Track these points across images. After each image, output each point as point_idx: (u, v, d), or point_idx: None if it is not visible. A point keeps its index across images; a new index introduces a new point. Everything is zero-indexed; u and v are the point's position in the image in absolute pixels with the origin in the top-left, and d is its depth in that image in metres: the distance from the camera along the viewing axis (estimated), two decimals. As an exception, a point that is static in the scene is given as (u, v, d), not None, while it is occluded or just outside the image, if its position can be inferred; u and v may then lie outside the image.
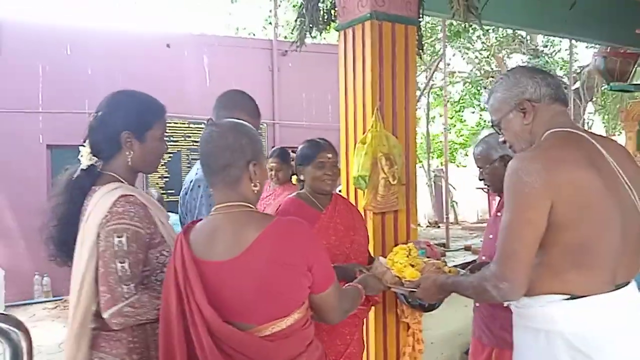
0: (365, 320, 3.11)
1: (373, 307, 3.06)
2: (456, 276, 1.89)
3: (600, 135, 1.65)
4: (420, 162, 13.28)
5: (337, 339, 2.18)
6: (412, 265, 1.95)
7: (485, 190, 2.54)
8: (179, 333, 1.34)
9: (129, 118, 1.60)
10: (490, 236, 2.36)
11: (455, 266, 2.06)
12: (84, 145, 1.64)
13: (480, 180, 2.42)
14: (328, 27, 3.58)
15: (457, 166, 16.16)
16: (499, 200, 2.48)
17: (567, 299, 1.47)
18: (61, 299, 6.92)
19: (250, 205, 1.43)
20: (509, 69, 2.32)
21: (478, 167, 2.39)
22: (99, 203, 1.51)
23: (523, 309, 1.56)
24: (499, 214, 2.37)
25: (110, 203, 1.50)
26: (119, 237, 1.47)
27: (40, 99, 7.51)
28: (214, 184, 1.44)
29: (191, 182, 2.07)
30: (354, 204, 3.16)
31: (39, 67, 7.49)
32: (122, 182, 1.60)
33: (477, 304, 2.41)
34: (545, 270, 1.49)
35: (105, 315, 1.46)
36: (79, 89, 7.56)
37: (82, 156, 1.61)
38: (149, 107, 1.64)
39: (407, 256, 1.98)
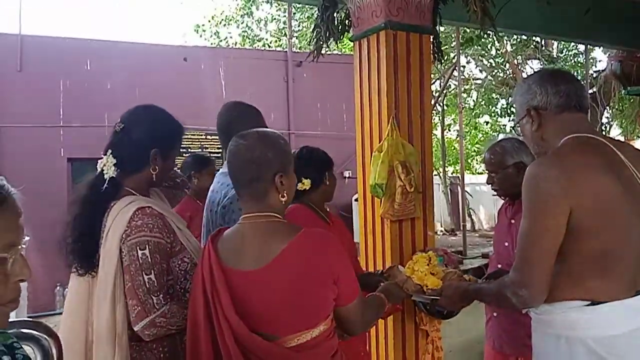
0: (384, 327, 3.12)
1: (391, 315, 3.07)
2: (477, 284, 1.89)
3: (617, 140, 1.65)
4: (436, 169, 13.22)
5: (353, 357, 2.17)
6: (433, 274, 1.95)
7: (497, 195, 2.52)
8: (206, 341, 1.34)
9: (160, 137, 1.63)
10: (506, 244, 2.34)
11: (465, 271, 2.06)
12: (104, 156, 1.66)
13: (489, 184, 2.41)
14: (343, 37, 3.62)
15: (473, 173, 16.06)
16: (507, 206, 2.46)
17: (589, 304, 1.47)
18: (82, 310, 7.01)
19: (278, 216, 1.43)
20: (523, 75, 2.32)
21: (490, 171, 2.37)
22: (117, 218, 1.53)
23: (543, 315, 1.56)
24: (512, 220, 2.36)
25: (128, 217, 1.52)
26: (141, 250, 1.49)
27: (61, 113, 7.67)
28: (242, 195, 1.46)
29: (227, 198, 2.04)
30: (371, 212, 3.19)
31: (60, 82, 7.65)
32: (135, 195, 1.61)
33: (495, 314, 2.39)
34: (567, 277, 1.49)
35: (137, 327, 1.47)
36: (99, 103, 7.71)
37: (104, 165, 1.61)
38: (175, 128, 1.67)
39: (428, 264, 1.98)
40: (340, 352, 1.46)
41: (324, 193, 2.29)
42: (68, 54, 7.61)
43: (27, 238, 0.92)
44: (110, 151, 1.63)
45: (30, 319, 1.48)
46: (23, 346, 0.98)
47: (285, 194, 1.44)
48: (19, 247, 0.89)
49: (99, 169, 1.63)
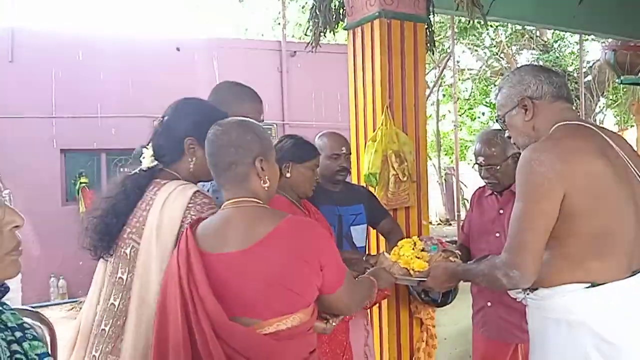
0: (378, 316, 3.14)
1: (386, 303, 3.09)
2: (466, 264, 1.91)
3: (606, 129, 1.68)
4: (431, 159, 13.25)
5: (337, 348, 2.18)
6: (418, 258, 1.96)
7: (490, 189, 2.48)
8: (183, 328, 1.29)
9: (194, 125, 1.58)
10: (497, 234, 2.34)
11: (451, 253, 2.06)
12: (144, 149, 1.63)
13: (485, 178, 2.36)
14: (337, 26, 3.60)
15: (468, 164, 16.10)
16: (489, 195, 2.45)
17: (588, 287, 1.48)
18: (76, 301, 7.02)
19: (261, 202, 1.41)
20: (518, 65, 2.33)
21: (491, 164, 2.31)
22: (174, 194, 1.49)
23: (542, 300, 1.57)
24: (501, 211, 2.37)
25: (190, 194, 1.49)
26: None
27: (53, 104, 7.63)
28: (222, 184, 1.42)
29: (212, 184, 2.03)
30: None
31: (52, 73, 7.60)
32: (180, 180, 1.57)
33: (489, 303, 2.40)
34: (565, 261, 1.51)
35: None
36: (91, 94, 7.67)
37: (144, 158, 1.60)
38: (214, 116, 1.58)
39: (413, 249, 1.99)
40: (318, 353, 1.44)
41: (288, 185, 2.15)
42: (60, 45, 7.55)
43: (7, 191, 0.92)
44: (150, 144, 1.62)
45: (25, 307, 1.47)
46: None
47: (267, 180, 1.41)
48: None
49: (141, 160, 1.61)
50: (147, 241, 1.46)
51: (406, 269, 1.92)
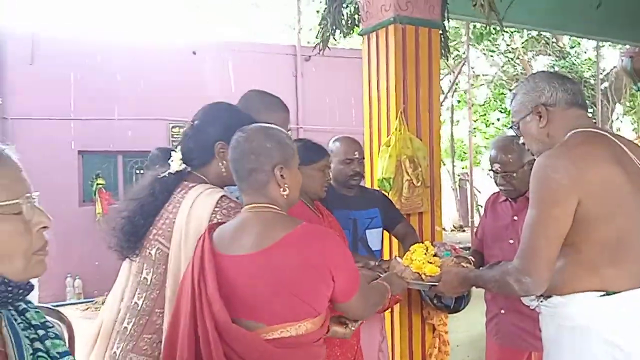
0: (391, 321, 3.13)
1: (398, 308, 3.09)
2: (477, 270, 1.91)
3: (621, 136, 1.68)
4: (445, 164, 13.19)
5: (348, 352, 2.18)
6: (430, 263, 1.96)
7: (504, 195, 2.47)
8: (190, 329, 1.31)
9: (224, 129, 1.59)
10: (511, 241, 2.33)
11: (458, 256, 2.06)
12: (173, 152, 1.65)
13: (501, 185, 2.35)
14: (352, 31, 3.62)
15: (482, 169, 15.99)
16: (503, 202, 2.44)
17: (603, 295, 1.48)
18: (92, 301, 7.10)
19: (278, 209, 1.41)
20: (533, 71, 2.32)
21: (506, 171, 2.30)
22: (201, 197, 1.51)
23: (556, 308, 1.57)
24: (515, 217, 2.35)
25: (216, 198, 1.51)
26: None
27: (71, 107, 7.74)
28: (243, 189, 1.43)
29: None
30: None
31: (71, 76, 7.71)
32: (208, 184, 1.59)
33: (503, 311, 2.39)
34: (580, 268, 1.51)
35: None
36: (109, 97, 7.77)
37: (172, 161, 1.61)
38: (243, 121, 1.60)
39: (425, 253, 1.99)
40: (329, 355, 1.43)
41: (305, 188, 2.08)
42: (78, 49, 7.66)
43: (36, 192, 0.95)
44: (179, 147, 1.63)
45: (45, 305, 1.50)
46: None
47: (286, 188, 1.41)
48: (29, 195, 0.92)
49: (170, 163, 1.62)
50: (177, 246, 1.49)
51: (418, 273, 1.93)
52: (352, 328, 1.62)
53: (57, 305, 6.97)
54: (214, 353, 1.26)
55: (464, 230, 13.91)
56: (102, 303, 6.78)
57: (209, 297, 1.30)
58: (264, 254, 1.31)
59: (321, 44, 3.64)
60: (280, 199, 1.42)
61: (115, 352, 1.52)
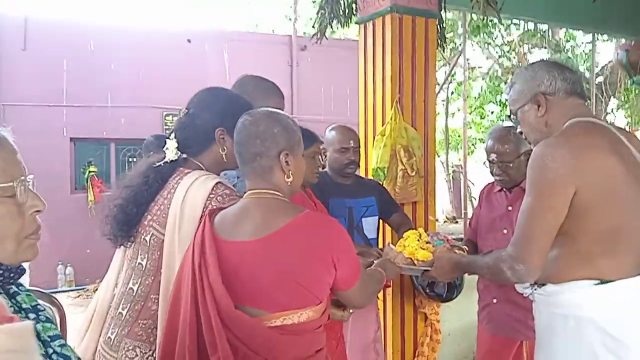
0: (383, 310, 3.15)
1: (391, 297, 3.10)
2: (470, 256, 1.91)
3: (618, 127, 1.68)
4: (439, 155, 13.22)
5: (332, 339, 2.18)
6: (423, 249, 1.97)
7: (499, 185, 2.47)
8: (192, 315, 1.29)
9: (222, 115, 1.57)
10: (505, 231, 2.34)
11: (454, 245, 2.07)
12: (168, 140, 1.62)
13: (497, 175, 2.36)
14: (349, 21, 3.60)
15: (476, 161, 16.03)
16: (498, 192, 2.45)
17: (598, 283, 1.49)
18: (83, 288, 7.09)
19: (281, 195, 1.39)
20: (530, 63, 2.31)
21: (503, 161, 2.31)
22: (196, 184, 1.49)
23: (551, 296, 1.58)
24: (510, 207, 2.36)
25: (211, 185, 1.49)
26: None
27: (64, 93, 7.69)
28: (246, 173, 1.41)
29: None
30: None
31: (63, 63, 7.66)
32: (204, 170, 1.57)
33: (495, 300, 2.40)
34: (575, 257, 1.51)
35: None
36: (102, 84, 7.72)
37: (167, 149, 1.58)
38: (241, 105, 1.59)
39: (418, 240, 2.00)
40: (325, 351, 1.42)
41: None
42: (72, 35, 7.60)
43: (31, 176, 0.94)
44: (173, 135, 1.60)
45: (37, 289, 1.49)
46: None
47: (291, 175, 1.39)
48: (23, 178, 0.91)
49: (165, 151, 1.59)
50: (171, 232, 1.47)
51: (410, 259, 1.93)
52: (351, 311, 1.63)
53: (49, 293, 6.97)
54: (217, 339, 1.25)
55: (457, 222, 13.97)
56: (94, 291, 6.79)
57: (211, 283, 1.28)
58: (266, 240, 1.30)
59: (319, 33, 3.62)
60: (284, 186, 1.40)
61: (110, 337, 1.52)
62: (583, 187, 1.45)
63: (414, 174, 3.00)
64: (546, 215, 1.48)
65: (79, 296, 6.91)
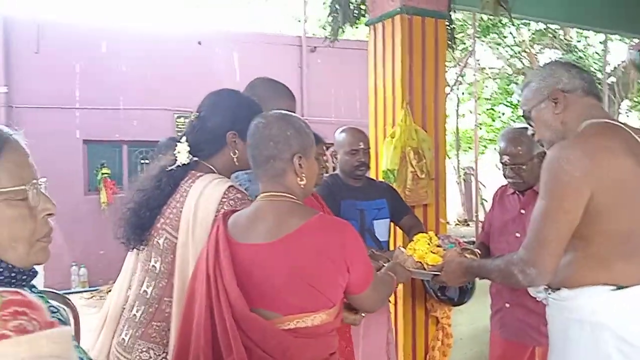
0: (394, 313, 3.14)
1: (402, 300, 3.09)
2: (481, 260, 1.90)
3: (636, 128, 1.64)
4: (450, 158, 13.15)
5: (343, 341, 2.18)
6: (433, 253, 1.95)
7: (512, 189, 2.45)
8: (206, 318, 1.30)
9: (233, 118, 1.58)
10: (517, 234, 2.31)
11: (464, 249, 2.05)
12: (179, 143, 1.62)
13: (510, 177, 2.33)
14: (357, 22, 3.61)
15: (488, 163, 15.93)
16: (511, 195, 2.42)
17: (615, 289, 1.46)
18: (97, 289, 7.14)
19: (295, 198, 1.39)
20: (540, 64, 2.28)
21: (518, 163, 2.28)
22: (209, 188, 1.50)
23: (565, 301, 1.55)
24: (523, 211, 2.34)
25: (224, 189, 1.50)
26: None
27: (76, 96, 7.75)
28: (259, 176, 1.42)
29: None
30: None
31: (76, 66, 7.73)
32: (216, 173, 1.58)
33: (508, 305, 2.38)
34: (590, 261, 1.49)
35: None
36: (114, 86, 7.78)
37: (179, 153, 1.58)
38: (252, 108, 1.59)
39: (428, 244, 1.99)
40: (338, 355, 1.42)
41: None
42: (84, 37, 7.67)
43: (43, 179, 0.95)
44: (185, 138, 1.60)
45: (50, 290, 1.50)
46: None
47: (304, 178, 1.39)
48: (35, 181, 0.92)
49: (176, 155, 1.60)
50: (184, 236, 1.48)
51: (420, 262, 1.92)
52: (363, 315, 1.63)
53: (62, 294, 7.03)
54: (232, 342, 1.25)
55: (468, 225, 13.89)
56: (107, 292, 6.83)
57: (226, 285, 1.29)
58: (280, 243, 1.30)
59: (331, 36, 3.62)
60: (297, 189, 1.40)
61: (123, 339, 1.53)
62: (599, 190, 1.43)
63: (424, 176, 2.99)
64: (560, 219, 1.46)
65: (92, 297, 6.97)
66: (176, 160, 1.58)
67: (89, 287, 7.43)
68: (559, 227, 1.46)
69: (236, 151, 1.59)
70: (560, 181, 1.46)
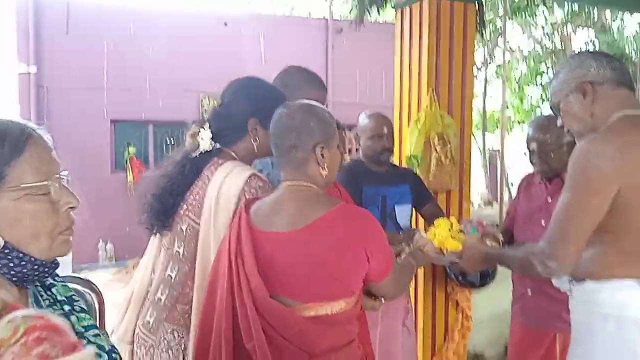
0: (414, 296, 3.16)
1: (422, 283, 3.11)
2: (501, 248, 1.89)
3: None
4: (475, 137, 12.98)
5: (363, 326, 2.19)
6: (453, 238, 1.95)
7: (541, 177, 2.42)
8: (227, 304, 1.32)
9: (256, 105, 1.60)
10: (543, 222, 2.28)
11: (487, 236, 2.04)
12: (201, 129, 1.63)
13: (537, 164, 2.30)
14: (385, 5, 3.57)
15: (513, 145, 15.66)
16: (539, 183, 2.40)
17: None
18: (124, 264, 7.34)
19: (317, 187, 1.41)
20: (572, 45, 2.24)
21: (543, 151, 2.25)
22: (231, 175, 1.52)
23: (590, 294, 1.53)
24: (549, 199, 2.32)
25: (246, 177, 1.51)
26: None
27: (105, 76, 7.87)
28: (281, 165, 1.43)
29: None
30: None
31: (104, 46, 7.82)
32: (238, 161, 1.60)
33: (529, 291, 2.36)
34: (617, 255, 1.47)
35: None
36: (141, 67, 7.87)
37: (202, 139, 1.60)
38: (275, 96, 1.61)
39: (450, 230, 1.98)
40: (358, 342, 1.44)
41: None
42: (112, 19, 7.75)
43: (65, 172, 0.95)
44: (208, 125, 1.62)
45: (77, 275, 1.54)
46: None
47: (325, 168, 1.40)
48: (58, 176, 0.93)
49: (200, 141, 1.61)
50: (206, 223, 1.51)
51: (440, 248, 1.93)
52: (382, 300, 1.65)
53: (90, 268, 7.26)
54: (252, 328, 1.27)
55: (492, 205, 13.75)
56: (133, 267, 6.98)
57: (247, 272, 1.31)
58: (301, 232, 1.31)
59: (357, 19, 3.60)
60: (319, 178, 1.41)
61: (149, 321, 1.58)
62: (627, 186, 1.40)
63: (448, 162, 2.97)
64: (585, 214, 1.44)
65: (118, 272, 7.17)
66: (199, 146, 1.60)
67: (116, 261, 7.64)
68: (582, 222, 1.44)
69: (257, 138, 1.61)
70: (587, 176, 1.43)
